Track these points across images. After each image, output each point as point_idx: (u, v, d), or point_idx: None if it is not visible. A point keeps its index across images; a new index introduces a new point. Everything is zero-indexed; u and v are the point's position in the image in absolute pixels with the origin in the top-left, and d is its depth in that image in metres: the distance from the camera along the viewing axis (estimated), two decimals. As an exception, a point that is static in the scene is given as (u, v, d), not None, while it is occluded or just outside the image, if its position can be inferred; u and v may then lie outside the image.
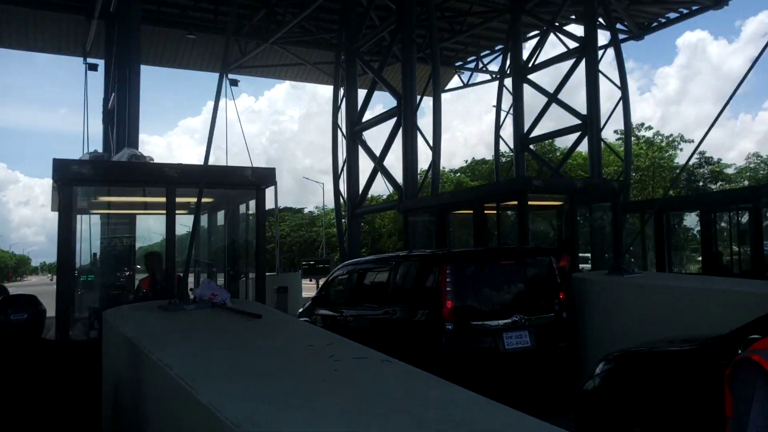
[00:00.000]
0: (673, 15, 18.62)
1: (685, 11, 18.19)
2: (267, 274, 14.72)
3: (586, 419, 4.44)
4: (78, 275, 7.47)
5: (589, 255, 11.40)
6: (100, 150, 11.76)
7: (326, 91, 18.70)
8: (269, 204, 12.87)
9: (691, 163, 27.21)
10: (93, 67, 18.40)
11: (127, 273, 7.99)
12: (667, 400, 3.83)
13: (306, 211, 60.24)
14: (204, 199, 8.00)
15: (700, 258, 11.73)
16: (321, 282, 14.46)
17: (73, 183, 5.64)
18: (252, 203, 6.99)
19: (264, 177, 6.63)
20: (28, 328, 4.80)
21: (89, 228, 7.66)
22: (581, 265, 9.57)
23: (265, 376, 2.85)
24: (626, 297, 6.62)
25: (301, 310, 9.43)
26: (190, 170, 6.22)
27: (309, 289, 10.38)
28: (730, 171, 27.73)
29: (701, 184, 26.63)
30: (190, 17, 17.82)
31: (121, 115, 9.49)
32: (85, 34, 18.09)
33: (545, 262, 6.48)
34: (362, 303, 7.34)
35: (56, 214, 6.05)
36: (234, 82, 20.71)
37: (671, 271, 11.37)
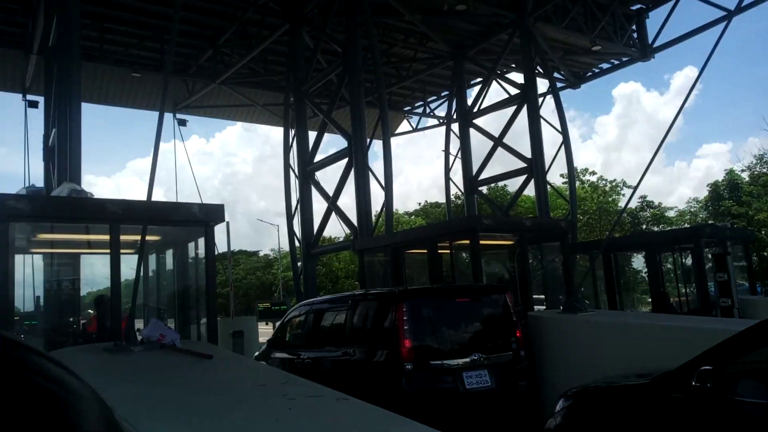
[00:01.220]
0: (605, 65, 19.72)
1: (616, 62, 19.30)
2: (221, 318, 14.17)
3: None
4: (20, 319, 6.99)
5: (543, 296, 11.49)
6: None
7: (279, 133, 18.62)
8: (221, 246, 12.53)
9: (634, 207, 28.33)
10: (33, 104, 17.69)
11: (72, 318, 7.51)
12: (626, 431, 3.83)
13: (261, 254, 59.18)
14: (150, 237, 7.69)
15: (650, 299, 12.03)
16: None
17: (9, 218, 5.26)
18: (201, 241, 6.72)
19: (212, 213, 6.41)
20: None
21: (32, 269, 7.22)
22: (536, 307, 9.63)
23: (215, 415, 2.67)
24: (581, 334, 6.66)
25: (257, 354, 9.07)
26: (134, 206, 5.94)
27: (266, 333, 10.01)
28: (671, 214, 29.00)
29: (644, 227, 27.71)
30: (135, 56, 17.53)
31: (62, 152, 9.05)
32: (24, 69, 17.48)
33: (500, 300, 6.45)
34: (320, 344, 7.11)
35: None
36: (182, 122, 20.38)
37: (622, 309, 11.59)
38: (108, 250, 6.89)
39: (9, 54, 17.05)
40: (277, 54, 18.39)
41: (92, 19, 15.41)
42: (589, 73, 20.22)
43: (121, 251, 6.13)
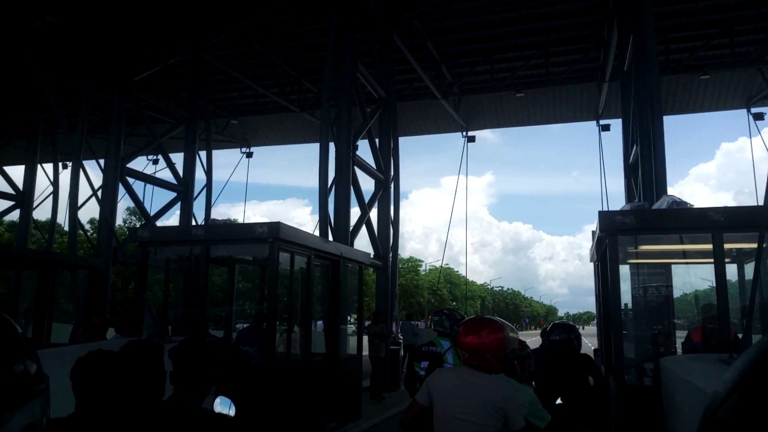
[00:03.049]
0: None
1: None
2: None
3: None
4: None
5: None
6: (624, 203, 12.23)
7: None
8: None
9: None
10: (605, 128, 19.67)
11: (660, 326, 7.77)
12: None
13: None
14: (746, 245, 7.17)
15: None
16: None
17: (618, 233, 5.91)
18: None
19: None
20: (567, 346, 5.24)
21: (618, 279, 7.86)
22: None
23: None
24: None
25: None
26: (739, 213, 5.67)
27: None
28: None
29: None
30: (702, 58, 16.91)
31: (646, 167, 9.59)
32: (596, 99, 19.57)
33: None
34: None
35: (584, 266, 6.43)
36: (759, 116, 18.36)
37: None
38: (700, 260, 6.84)
39: (584, 88, 19.43)
40: None
41: (657, 33, 15.82)
42: None
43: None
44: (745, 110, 19.02)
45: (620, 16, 13.04)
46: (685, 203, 6.07)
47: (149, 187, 14.35)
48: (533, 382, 5.37)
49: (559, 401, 4.04)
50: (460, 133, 22.49)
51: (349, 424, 8.97)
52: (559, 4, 15.44)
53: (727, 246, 6.51)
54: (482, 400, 2.87)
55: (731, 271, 7.26)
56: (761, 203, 5.82)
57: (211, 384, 2.51)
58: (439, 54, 18.40)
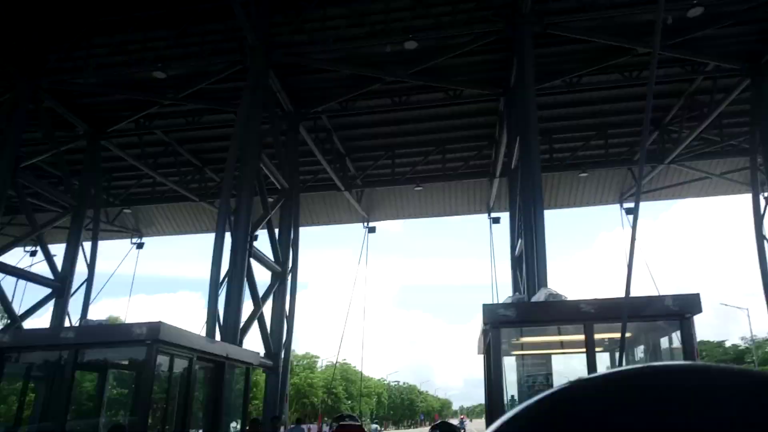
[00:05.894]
0: None
1: None
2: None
3: None
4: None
5: None
6: (511, 294, 12.75)
7: (743, 201, 16.32)
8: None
9: None
10: (496, 221, 20.76)
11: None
12: None
13: (728, 344, 50.79)
14: (615, 335, 7.58)
15: None
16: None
17: (501, 325, 6.07)
18: (675, 336, 6.23)
19: (687, 304, 5.93)
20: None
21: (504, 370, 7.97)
22: None
23: None
24: None
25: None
26: (608, 305, 6.01)
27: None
28: None
29: None
30: (581, 157, 18.56)
31: (529, 258, 10.11)
32: (488, 192, 20.76)
33: None
34: None
35: (477, 357, 6.52)
36: (631, 210, 20.16)
37: None
38: (577, 350, 7.17)
39: (477, 183, 20.61)
40: (734, 115, 16.59)
41: (542, 134, 17.28)
42: None
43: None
44: (618, 205, 20.99)
45: (509, 118, 14.16)
46: (560, 296, 6.37)
47: (22, 281, 13.16)
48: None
49: None
50: (362, 224, 22.81)
51: None
52: (456, 105, 16.55)
53: (600, 336, 6.83)
54: None
55: (604, 359, 7.62)
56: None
57: None
58: (344, 147, 18.95)
